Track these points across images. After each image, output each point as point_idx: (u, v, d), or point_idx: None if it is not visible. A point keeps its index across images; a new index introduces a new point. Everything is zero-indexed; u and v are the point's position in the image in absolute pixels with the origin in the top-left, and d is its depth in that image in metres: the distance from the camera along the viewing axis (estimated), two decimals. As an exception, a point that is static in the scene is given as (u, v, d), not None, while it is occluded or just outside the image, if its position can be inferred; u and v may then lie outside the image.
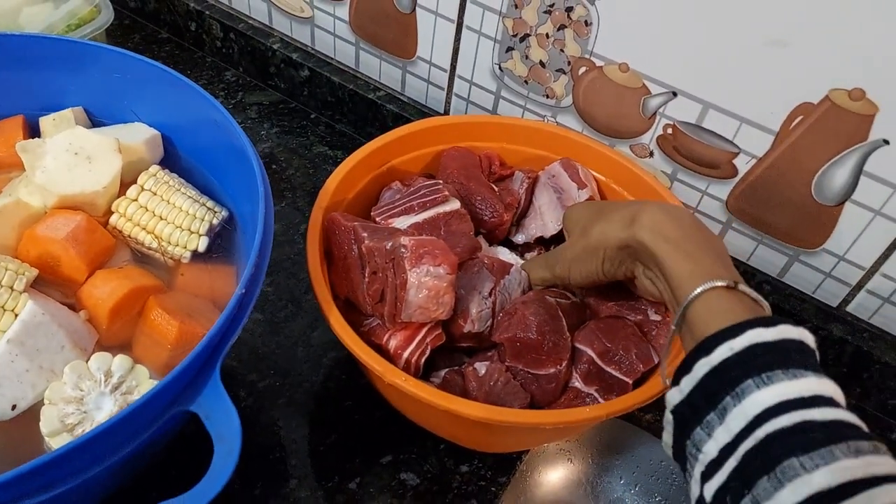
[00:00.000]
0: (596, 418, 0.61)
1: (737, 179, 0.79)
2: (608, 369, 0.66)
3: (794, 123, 0.72)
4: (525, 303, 0.67)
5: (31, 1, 0.95)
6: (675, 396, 0.50)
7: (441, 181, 0.74)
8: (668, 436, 0.52)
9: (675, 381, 0.50)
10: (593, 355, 0.66)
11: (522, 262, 0.74)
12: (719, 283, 0.52)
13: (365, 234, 0.66)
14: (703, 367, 0.48)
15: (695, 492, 0.48)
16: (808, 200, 0.75)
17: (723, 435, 0.46)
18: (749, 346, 0.47)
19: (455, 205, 0.73)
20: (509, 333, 0.66)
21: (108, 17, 0.96)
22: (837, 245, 0.77)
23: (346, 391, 0.78)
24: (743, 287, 0.52)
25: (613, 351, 0.67)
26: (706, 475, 0.46)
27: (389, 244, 0.64)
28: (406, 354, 0.65)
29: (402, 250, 0.63)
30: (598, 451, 0.82)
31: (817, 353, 0.49)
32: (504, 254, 0.76)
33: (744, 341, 0.47)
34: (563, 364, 0.66)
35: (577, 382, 0.67)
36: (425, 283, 0.62)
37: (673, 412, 0.51)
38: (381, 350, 0.65)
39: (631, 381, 0.66)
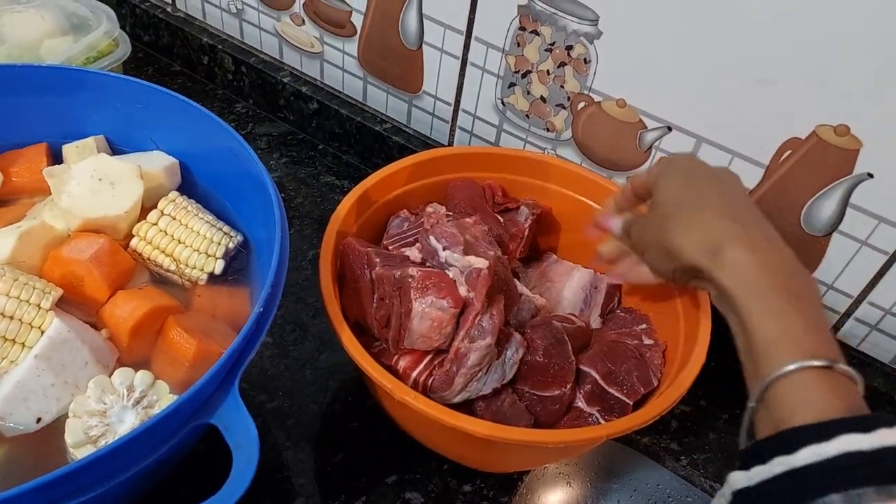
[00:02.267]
0: (597, 438, 0.64)
1: (729, 211, 0.82)
2: (611, 390, 0.69)
3: (782, 157, 0.75)
4: (533, 327, 0.70)
5: (51, 34, 0.99)
6: (740, 479, 0.45)
7: (450, 213, 0.77)
8: None
9: (745, 463, 0.45)
10: (597, 377, 0.69)
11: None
12: (814, 363, 0.45)
13: (377, 260, 0.69)
14: (781, 465, 0.43)
15: None
16: (798, 231, 0.78)
17: None
18: (840, 455, 0.41)
19: None
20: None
21: (125, 50, 1.00)
22: (826, 274, 0.80)
23: (352, 412, 0.80)
24: (841, 367, 0.46)
25: (616, 373, 0.69)
26: None
27: (398, 273, 0.67)
28: (414, 374, 0.67)
29: (409, 280, 0.65)
30: (597, 475, 0.83)
31: None
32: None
33: (835, 448, 0.41)
34: (568, 386, 0.68)
35: (581, 402, 0.69)
36: (428, 314, 0.64)
37: (735, 494, 0.46)
38: (391, 370, 0.67)
39: (631, 403, 0.69)
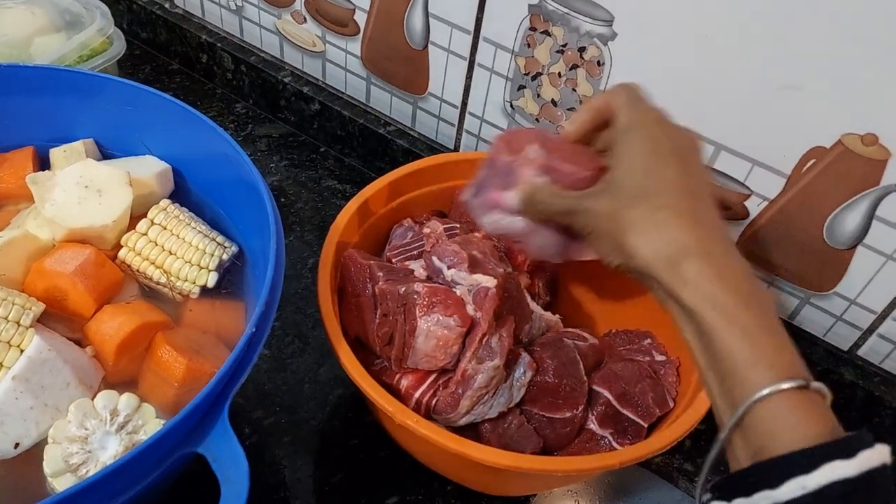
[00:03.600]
0: (609, 466, 0.60)
1: (748, 221, 0.79)
2: (625, 412, 0.66)
3: (806, 167, 0.72)
4: (543, 345, 0.67)
5: (42, 31, 0.95)
6: None
7: (457, 223, 0.74)
8: None
9: (725, 496, 0.42)
10: (611, 397, 0.66)
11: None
12: (790, 385, 0.43)
13: (380, 275, 0.66)
14: (765, 499, 0.40)
15: None
16: (820, 244, 0.75)
17: None
18: (826, 486, 0.39)
19: None
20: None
21: (119, 48, 0.96)
22: (849, 289, 0.76)
23: (352, 429, 0.77)
24: (815, 384, 0.43)
25: (631, 393, 0.66)
26: None
27: (403, 289, 0.63)
28: (417, 395, 0.64)
29: (415, 296, 0.62)
30: (606, 494, 0.81)
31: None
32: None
33: (820, 479, 0.39)
34: (580, 409, 0.65)
35: (593, 425, 0.66)
36: (434, 333, 0.61)
37: None
38: (392, 389, 0.64)
39: (646, 425, 0.65)
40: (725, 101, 0.73)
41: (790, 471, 0.40)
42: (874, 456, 0.40)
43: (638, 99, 0.56)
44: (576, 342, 0.69)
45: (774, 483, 0.40)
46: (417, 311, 0.61)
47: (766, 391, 0.42)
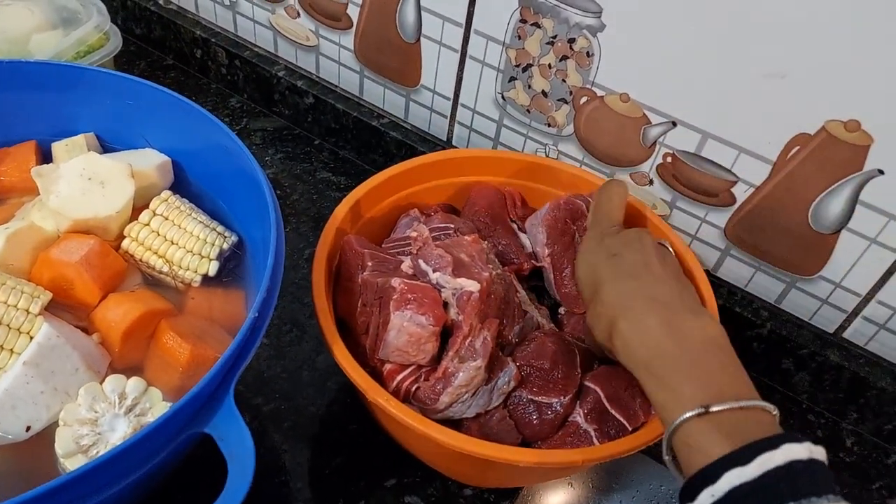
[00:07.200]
0: (599, 459, 0.62)
1: (735, 207, 0.81)
2: (612, 411, 0.67)
3: (791, 153, 0.74)
4: (546, 333, 0.68)
5: (41, 28, 0.96)
6: None
7: (453, 225, 0.75)
8: None
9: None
10: (601, 395, 0.67)
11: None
12: (689, 415, 0.50)
13: (370, 264, 0.67)
14: None
15: None
16: (805, 228, 0.77)
17: None
18: (729, 492, 0.45)
19: None
20: (523, 360, 0.67)
21: (116, 44, 0.98)
22: (834, 272, 0.79)
23: (350, 415, 0.79)
24: (716, 407, 0.49)
25: (621, 397, 0.67)
26: None
27: (381, 281, 0.65)
28: (399, 378, 0.65)
29: (391, 291, 0.63)
30: (598, 475, 0.83)
31: (821, 457, 0.47)
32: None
33: (723, 486, 0.46)
34: (567, 398, 0.66)
35: (579, 417, 0.67)
36: (406, 329, 0.62)
37: None
38: (374, 372, 0.65)
39: (631, 429, 0.67)
40: (711, 89, 0.75)
41: (700, 485, 0.47)
42: (776, 456, 0.45)
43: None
44: (575, 341, 0.71)
45: (692, 497, 0.47)
46: (392, 306, 0.62)
47: (675, 424, 0.50)
